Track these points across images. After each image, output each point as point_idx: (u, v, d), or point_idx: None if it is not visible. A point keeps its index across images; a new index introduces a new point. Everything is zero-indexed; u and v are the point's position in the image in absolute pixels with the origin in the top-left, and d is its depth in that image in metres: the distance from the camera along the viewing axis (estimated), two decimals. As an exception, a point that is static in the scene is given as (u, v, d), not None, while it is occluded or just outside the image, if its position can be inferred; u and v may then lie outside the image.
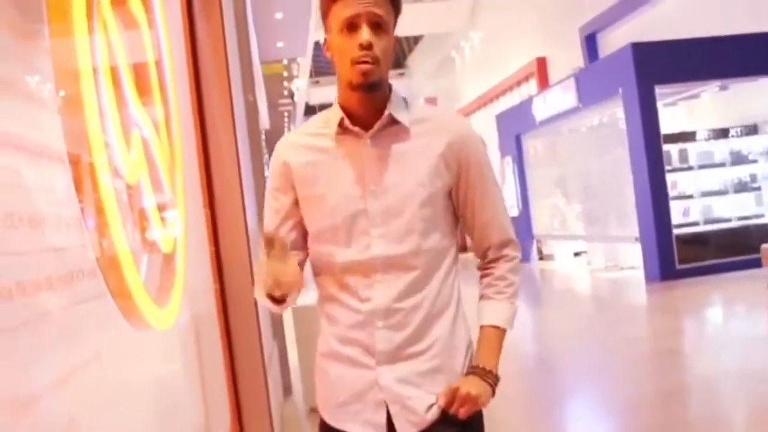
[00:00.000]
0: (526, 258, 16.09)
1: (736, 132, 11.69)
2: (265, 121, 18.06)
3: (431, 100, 26.62)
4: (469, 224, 1.83)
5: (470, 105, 25.40)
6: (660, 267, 10.70)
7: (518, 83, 20.90)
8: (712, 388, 5.41)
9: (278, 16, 11.82)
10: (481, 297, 1.84)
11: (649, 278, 10.91)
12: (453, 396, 1.70)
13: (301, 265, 1.81)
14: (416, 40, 31.23)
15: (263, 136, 13.42)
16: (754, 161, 11.70)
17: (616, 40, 14.23)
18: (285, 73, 23.43)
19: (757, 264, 8.91)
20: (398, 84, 32.16)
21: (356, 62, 1.63)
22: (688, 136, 11.65)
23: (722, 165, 11.73)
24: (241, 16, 5.37)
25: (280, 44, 13.85)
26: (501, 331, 1.80)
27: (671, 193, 11.04)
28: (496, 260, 1.84)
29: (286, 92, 30.36)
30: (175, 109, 2.74)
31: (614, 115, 11.96)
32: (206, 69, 3.34)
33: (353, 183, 1.71)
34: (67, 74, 1.59)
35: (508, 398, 4.95)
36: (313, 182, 1.74)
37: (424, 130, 1.75)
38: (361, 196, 1.71)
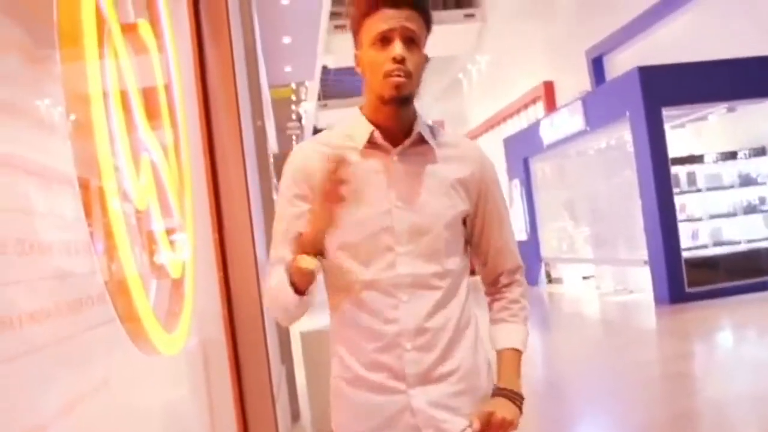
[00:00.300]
0: (534, 281, 16.03)
1: (745, 154, 11.66)
2: (273, 144, 18.13)
3: (438, 123, 26.62)
4: (482, 250, 1.85)
5: (477, 128, 25.47)
6: (669, 290, 10.63)
7: (525, 106, 20.97)
8: (722, 412, 5.35)
9: (286, 40, 11.90)
10: (495, 321, 1.85)
11: (658, 301, 10.84)
12: (488, 420, 1.69)
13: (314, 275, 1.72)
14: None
15: (272, 160, 13.47)
16: (763, 183, 11.65)
17: (622, 63, 14.28)
18: (293, 97, 23.57)
19: (767, 287, 8.86)
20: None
21: (389, 75, 1.63)
22: (696, 159, 11.62)
23: (731, 187, 11.69)
24: (250, 41, 5.41)
25: (288, 68, 13.94)
26: (519, 353, 1.81)
27: (680, 215, 10.99)
28: (508, 285, 1.87)
29: (294, 116, 30.52)
30: (184, 134, 2.75)
31: (622, 137, 11.95)
32: (215, 93, 3.35)
33: (379, 198, 1.69)
34: (77, 99, 1.59)
35: (517, 423, 4.89)
36: None
37: (448, 154, 1.77)
38: (387, 212, 1.69)
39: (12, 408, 1.08)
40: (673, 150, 11.04)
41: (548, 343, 9.53)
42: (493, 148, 21.09)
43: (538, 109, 19.62)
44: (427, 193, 1.71)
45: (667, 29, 13.52)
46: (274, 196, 6.25)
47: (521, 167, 16.75)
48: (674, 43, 13.09)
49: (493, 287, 1.88)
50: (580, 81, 16.12)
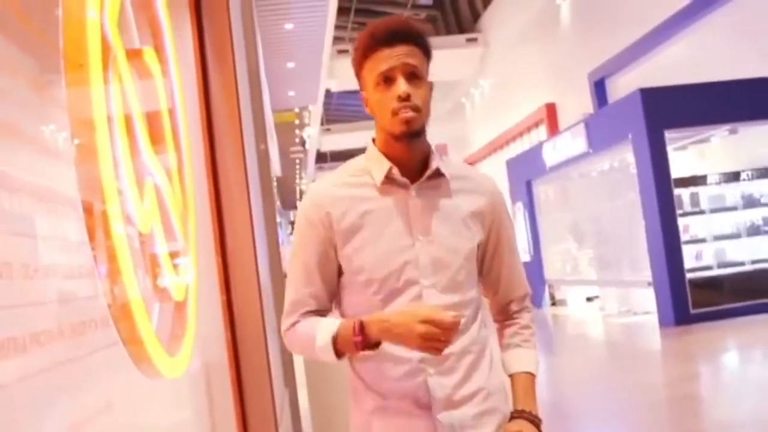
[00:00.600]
0: (538, 304, 15.98)
1: (748, 175, 11.67)
2: (276, 168, 18.19)
3: (441, 147, 26.75)
4: (493, 279, 1.89)
5: (480, 151, 25.54)
6: (674, 312, 10.60)
7: (528, 129, 21.03)
8: (730, 435, 5.32)
9: (290, 65, 11.99)
10: (508, 346, 1.88)
11: (663, 323, 10.80)
12: None
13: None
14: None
15: (275, 184, 13.51)
16: (767, 204, 11.65)
17: (624, 85, 14.34)
18: (296, 121, 23.68)
19: (772, 308, 8.82)
20: (409, 131, 32.50)
21: (397, 113, 1.65)
22: (699, 180, 11.63)
23: (734, 208, 11.68)
24: (254, 66, 5.45)
25: (291, 93, 14.03)
26: (533, 377, 1.85)
27: (683, 237, 10.98)
28: (519, 311, 1.91)
29: (297, 140, 30.64)
30: (188, 158, 2.78)
31: (625, 159, 11.98)
32: (219, 118, 3.38)
33: (401, 233, 1.72)
34: (82, 124, 1.61)
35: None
36: (360, 234, 1.72)
37: (462, 186, 1.80)
38: (410, 246, 1.71)
39: (16, 430, 1.09)
40: (676, 171, 11.05)
41: (553, 365, 9.48)
42: (495, 170, 21.12)
43: (541, 132, 19.68)
44: (446, 226, 1.75)
45: (668, 52, 13.59)
46: (278, 219, 6.26)
47: (524, 190, 16.77)
48: (676, 65, 13.15)
49: (504, 314, 1.92)
50: (583, 103, 16.18)
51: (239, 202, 3.36)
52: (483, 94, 25.51)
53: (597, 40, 15.94)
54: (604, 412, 6.59)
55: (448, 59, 23.12)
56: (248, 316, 3.28)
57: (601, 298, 14.46)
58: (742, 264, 11.33)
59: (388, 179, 1.73)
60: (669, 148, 10.98)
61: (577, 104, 16.61)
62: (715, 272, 11.19)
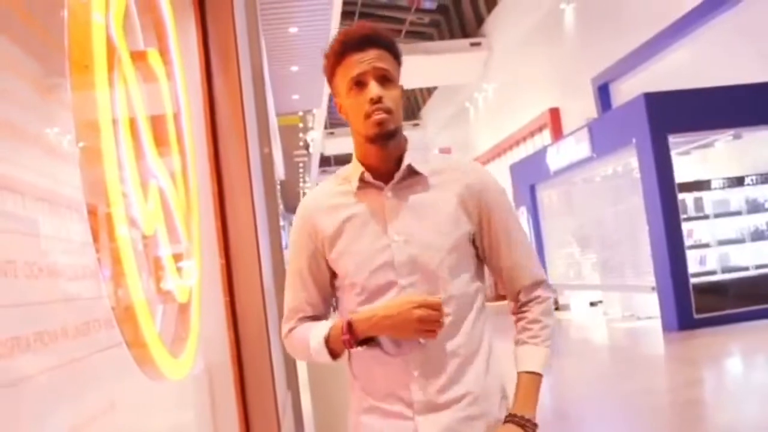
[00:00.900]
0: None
1: (752, 180, 11.65)
2: (280, 171, 18.20)
3: (445, 151, 26.78)
4: (496, 269, 1.84)
5: (484, 155, 25.52)
6: (677, 317, 10.58)
7: (532, 134, 21.02)
8: (733, 440, 5.31)
9: (294, 69, 12.01)
10: (517, 342, 1.83)
11: (666, 328, 10.78)
12: None
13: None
14: (430, 91, 31.59)
15: (278, 187, 13.52)
16: (771, 209, 11.64)
17: (628, 90, 14.32)
18: (300, 125, 23.68)
19: (776, 313, 8.80)
20: (413, 135, 32.47)
21: (370, 115, 1.67)
22: (703, 185, 11.62)
23: (738, 213, 11.66)
24: (258, 69, 5.46)
25: (295, 96, 14.06)
26: (538, 377, 1.78)
27: (687, 241, 10.97)
28: (528, 303, 1.84)
29: (301, 143, 30.67)
30: (192, 161, 2.78)
31: (628, 164, 11.98)
32: (223, 121, 3.39)
33: (378, 235, 1.74)
34: (87, 126, 1.62)
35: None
36: (341, 240, 1.76)
37: (442, 179, 1.78)
38: (386, 248, 1.73)
39: (21, 430, 1.10)
40: (680, 176, 11.04)
41: (556, 370, 9.46)
42: (499, 175, 21.08)
43: (545, 137, 19.66)
44: (423, 224, 1.74)
45: (672, 56, 13.58)
46: (281, 222, 6.27)
47: (528, 194, 16.77)
48: (680, 70, 13.14)
49: (515, 305, 1.87)
50: (586, 108, 16.17)
51: (243, 204, 3.36)
52: (487, 99, 25.51)
53: (601, 44, 15.93)
54: (608, 417, 6.58)
55: (451, 63, 23.15)
56: (251, 318, 3.29)
57: (605, 302, 14.45)
58: (746, 269, 11.30)
59: (364, 183, 1.76)
60: (673, 153, 10.97)
61: (581, 109, 16.59)
62: (719, 277, 11.17)
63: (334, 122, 30.13)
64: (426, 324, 1.62)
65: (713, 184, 11.62)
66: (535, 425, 1.75)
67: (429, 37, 29.54)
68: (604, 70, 15.70)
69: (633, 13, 14.61)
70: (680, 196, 10.99)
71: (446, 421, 1.70)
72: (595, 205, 13.87)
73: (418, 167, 1.76)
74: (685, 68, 12.97)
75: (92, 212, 1.57)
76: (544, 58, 19.50)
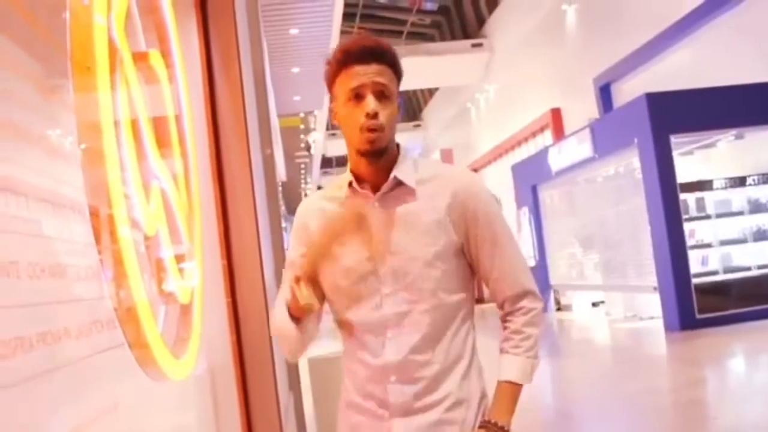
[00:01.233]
0: (543, 309, 15.93)
1: (754, 180, 11.64)
2: (282, 173, 18.21)
3: (447, 152, 26.78)
4: (484, 277, 1.86)
5: (485, 156, 25.51)
6: (680, 317, 10.57)
7: (533, 134, 21.01)
8: (736, 440, 5.30)
9: (295, 70, 12.02)
10: (500, 350, 1.85)
11: (668, 328, 10.78)
12: None
13: (319, 315, 1.87)
14: (432, 92, 31.58)
15: (280, 188, 13.53)
16: (773, 209, 11.63)
17: (630, 90, 14.32)
18: (302, 126, 23.70)
19: (779, 313, 8.79)
20: (414, 136, 32.51)
21: (363, 130, 1.70)
22: (704, 185, 11.61)
23: (740, 213, 11.66)
24: (259, 71, 5.46)
25: (297, 98, 14.07)
26: (516, 387, 1.79)
27: (689, 242, 10.96)
28: (512, 313, 1.84)
29: (302, 145, 30.69)
30: (194, 162, 2.79)
31: (630, 164, 11.97)
32: (225, 122, 3.39)
33: (363, 244, 1.76)
34: (89, 128, 1.62)
35: (527, 451, 4.87)
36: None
37: (430, 188, 1.79)
38: (370, 258, 1.76)
39: (23, 429, 1.10)
40: (682, 176, 11.04)
41: (558, 370, 9.46)
42: (501, 176, 21.11)
43: (546, 137, 19.65)
44: (406, 234, 1.75)
45: (674, 57, 13.57)
46: (283, 223, 6.27)
47: (530, 195, 16.77)
48: (681, 70, 13.14)
49: (502, 314, 1.88)
50: (588, 108, 16.16)
51: (244, 205, 3.37)
52: (488, 100, 25.50)
53: (602, 45, 15.93)
54: (610, 417, 6.58)
55: (453, 65, 23.14)
56: (253, 320, 3.29)
57: (607, 303, 14.44)
58: (748, 269, 11.30)
59: (353, 191, 1.80)
60: (675, 153, 10.97)
61: (583, 109, 16.59)
62: (721, 277, 11.16)
63: (335, 124, 30.08)
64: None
65: (715, 185, 11.61)
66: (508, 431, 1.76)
67: (430, 38, 29.54)
68: (605, 70, 15.69)
69: (634, 14, 14.61)
70: (682, 196, 10.99)
71: (418, 424, 1.74)
72: (597, 205, 13.86)
73: (405, 179, 1.77)
74: (687, 68, 12.96)
75: (94, 213, 1.58)
76: (545, 59, 19.49)
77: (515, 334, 1.82)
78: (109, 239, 1.67)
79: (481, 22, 25.44)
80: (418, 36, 29.80)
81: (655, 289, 11.23)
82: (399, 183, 1.78)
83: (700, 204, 11.50)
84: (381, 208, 1.77)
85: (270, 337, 3.34)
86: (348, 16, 23.39)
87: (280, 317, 1.79)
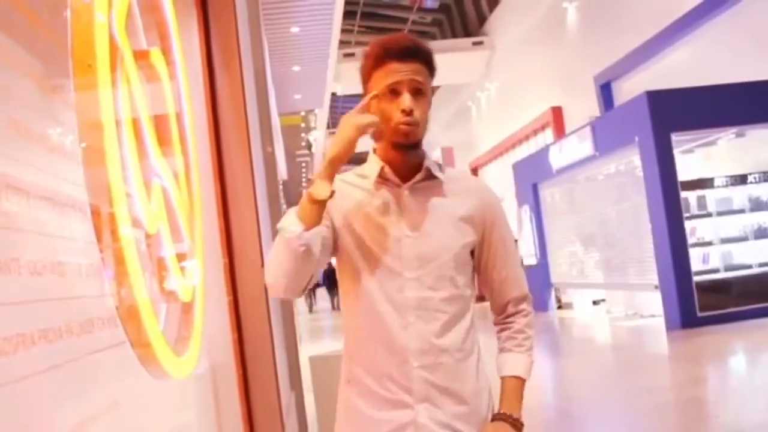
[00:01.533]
0: (544, 307, 15.96)
1: (755, 178, 11.64)
2: (283, 171, 18.21)
3: (447, 150, 26.76)
4: (489, 280, 1.96)
5: (486, 154, 25.53)
6: (681, 315, 10.58)
7: (534, 132, 21.02)
8: (737, 438, 5.30)
9: (296, 68, 12.02)
10: (501, 350, 1.95)
11: (669, 326, 10.78)
12: None
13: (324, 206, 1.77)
14: (433, 90, 31.50)
15: (281, 187, 13.53)
16: (774, 207, 11.63)
17: (631, 88, 14.33)
18: (303, 125, 23.71)
19: (780, 311, 8.78)
20: (415, 134, 32.49)
21: (399, 125, 1.77)
22: (705, 183, 11.61)
23: (741, 211, 11.66)
24: (260, 69, 5.46)
25: (297, 96, 14.07)
26: (522, 382, 1.90)
27: (690, 240, 10.96)
28: (514, 314, 1.96)
29: (303, 143, 30.69)
30: (195, 161, 2.79)
31: (631, 162, 11.97)
32: (226, 120, 3.39)
33: (390, 228, 1.82)
34: (90, 127, 1.62)
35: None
36: (353, 220, 1.84)
37: (456, 188, 1.91)
38: (397, 241, 1.82)
39: (24, 427, 1.10)
40: (683, 174, 11.04)
41: (559, 369, 9.47)
42: (502, 174, 21.10)
43: (547, 135, 19.67)
44: (435, 224, 1.84)
45: (674, 55, 13.58)
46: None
47: (530, 193, 16.77)
48: (682, 68, 13.14)
49: (501, 316, 1.98)
50: (589, 107, 16.17)
51: (246, 203, 3.37)
52: (489, 98, 25.51)
53: (603, 43, 15.93)
54: (611, 415, 6.58)
55: (453, 63, 23.14)
56: (254, 318, 3.29)
57: (608, 301, 14.45)
58: (749, 267, 11.30)
59: (382, 178, 1.86)
60: (676, 151, 10.97)
61: (584, 107, 16.59)
62: (722, 275, 11.16)
63: (336, 122, 30.08)
64: (349, 120, 1.72)
65: (716, 182, 11.61)
66: (522, 424, 1.85)
67: (431, 37, 29.55)
68: (606, 68, 15.70)
69: (635, 12, 14.61)
70: (683, 194, 10.99)
71: (442, 414, 1.79)
72: (598, 203, 13.86)
73: (435, 172, 1.87)
74: (688, 66, 12.96)
75: (95, 212, 1.58)
76: (546, 57, 19.50)
77: (519, 334, 1.94)
78: (110, 237, 1.67)
79: (482, 20, 25.45)
80: (419, 34, 29.75)
81: (656, 287, 11.23)
82: (429, 176, 1.86)
83: (701, 202, 11.50)
84: (410, 196, 1.85)
85: (271, 337, 3.34)
86: (349, 14, 23.40)
87: (282, 231, 1.72)
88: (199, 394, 2.65)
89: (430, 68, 1.84)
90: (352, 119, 1.73)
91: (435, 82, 1.88)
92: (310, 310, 27.95)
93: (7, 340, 1.01)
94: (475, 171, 26.06)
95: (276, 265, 1.75)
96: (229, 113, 3.42)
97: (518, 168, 17.81)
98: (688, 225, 10.94)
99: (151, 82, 2.30)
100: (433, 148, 31.37)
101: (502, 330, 1.97)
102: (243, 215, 3.35)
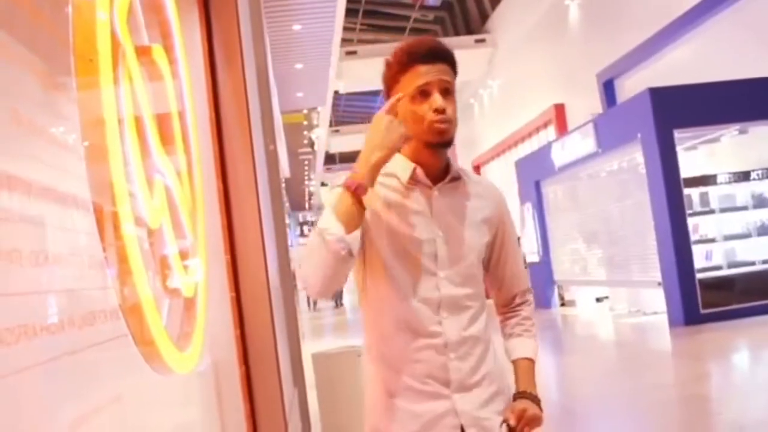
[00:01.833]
0: (546, 304, 15.96)
1: (758, 175, 11.62)
2: (285, 169, 18.22)
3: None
4: (499, 276, 2.10)
5: (489, 152, 25.50)
6: (684, 312, 10.57)
7: (537, 130, 21.00)
8: (740, 435, 5.30)
9: (298, 66, 12.02)
10: (511, 335, 2.10)
11: (672, 323, 10.78)
12: (521, 416, 1.91)
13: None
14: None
15: (283, 184, 13.54)
16: (776, 204, 11.61)
17: (633, 85, 14.30)
18: (305, 122, 23.71)
19: (783, 308, 8.77)
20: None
21: (433, 124, 1.84)
22: (708, 180, 11.60)
23: (744, 208, 11.64)
24: (262, 67, 5.46)
25: (300, 94, 14.07)
26: (533, 363, 2.06)
27: (693, 236, 10.95)
28: (521, 304, 2.13)
29: (306, 141, 30.68)
30: (197, 158, 2.79)
31: (634, 159, 11.96)
32: (228, 118, 3.40)
33: (424, 228, 1.89)
34: (93, 125, 1.63)
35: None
36: (386, 219, 1.88)
37: (478, 191, 2.01)
38: (432, 241, 1.89)
39: (26, 418, 1.10)
40: (686, 171, 11.03)
41: (562, 366, 9.47)
42: (504, 172, 21.09)
43: (550, 133, 19.64)
44: (464, 225, 1.95)
45: (677, 52, 13.55)
46: (287, 219, 6.27)
47: (533, 190, 16.76)
48: (685, 65, 13.12)
49: (507, 307, 2.14)
50: (592, 104, 16.15)
51: (248, 201, 3.37)
52: (491, 95, 25.48)
53: (606, 40, 15.90)
54: (614, 412, 6.58)
55: (456, 59, 23.08)
56: (257, 315, 3.30)
57: (611, 298, 14.44)
58: (752, 264, 11.29)
59: (413, 180, 1.91)
60: (679, 148, 10.95)
61: (586, 104, 16.57)
62: (725, 272, 11.15)
63: (338, 120, 30.12)
64: (392, 124, 1.77)
65: (719, 179, 11.60)
66: (540, 400, 1.99)
67: (434, 34, 29.49)
68: (609, 65, 15.67)
69: (637, 9, 14.58)
70: (686, 191, 10.98)
71: (479, 398, 1.91)
72: (601, 200, 13.84)
73: (461, 174, 1.98)
74: (691, 63, 12.94)
75: (98, 207, 1.58)
76: (548, 54, 19.47)
77: (526, 320, 2.11)
78: (113, 236, 1.67)
79: (484, 17, 25.42)
80: (421, 32, 29.77)
81: (659, 284, 11.23)
82: (455, 177, 1.95)
83: (704, 199, 11.49)
84: (440, 197, 1.93)
85: (274, 333, 3.34)
86: (351, 12, 23.38)
87: (328, 221, 1.72)
88: (202, 391, 2.66)
89: (454, 69, 1.94)
90: (395, 126, 1.78)
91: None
92: (313, 308, 27.95)
93: (9, 330, 1.01)
94: (477, 169, 26.05)
95: (314, 266, 1.75)
96: (231, 111, 3.42)
97: (521, 165, 17.79)
98: (691, 222, 10.93)
99: (154, 79, 2.30)
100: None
101: (509, 318, 2.12)
102: (245, 212, 3.36)
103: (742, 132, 11.53)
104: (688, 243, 10.77)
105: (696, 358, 8.77)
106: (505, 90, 23.97)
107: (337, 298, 27.95)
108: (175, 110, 2.54)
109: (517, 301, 2.12)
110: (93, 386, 1.45)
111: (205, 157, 3.06)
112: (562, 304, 16.22)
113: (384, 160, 1.77)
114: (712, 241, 11.40)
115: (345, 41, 19.89)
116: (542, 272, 16.16)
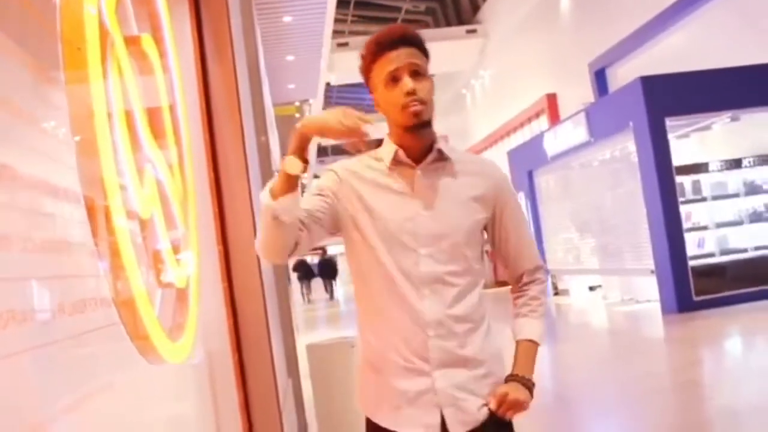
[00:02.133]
0: (541, 293, 15.96)
1: (749, 162, 11.66)
2: (277, 161, 18.18)
3: (442, 138, 26.70)
4: (504, 255, 2.10)
5: (481, 142, 25.51)
6: (677, 299, 10.62)
7: (529, 119, 21.01)
8: (733, 420, 5.33)
9: (289, 58, 11.99)
10: (517, 315, 2.09)
11: (665, 311, 10.82)
12: (502, 400, 1.92)
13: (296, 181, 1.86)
14: (427, 79, 31.41)
15: (275, 175, 13.48)
16: (768, 191, 11.66)
17: (625, 74, 14.31)
18: (297, 115, 23.63)
19: (775, 294, 8.82)
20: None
21: (406, 107, 1.87)
22: (700, 168, 11.64)
23: (736, 195, 11.69)
24: (253, 59, 5.46)
25: (291, 86, 14.02)
26: (535, 345, 2.04)
27: (685, 224, 10.99)
28: (529, 283, 2.11)
29: (298, 134, 30.58)
30: (188, 151, 2.79)
31: (626, 148, 11.97)
32: (219, 111, 3.40)
33: (405, 207, 1.93)
34: (82, 119, 1.63)
35: (525, 433, 4.90)
36: (375, 205, 1.93)
37: (467, 169, 2.01)
38: (412, 219, 1.92)
39: (16, 402, 1.11)
40: (678, 159, 11.05)
41: (556, 354, 9.50)
42: (497, 161, 21.06)
43: (542, 122, 19.66)
44: (447, 203, 1.95)
45: (669, 40, 13.56)
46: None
47: (526, 180, 16.77)
48: (677, 54, 13.13)
49: (517, 285, 2.13)
50: (583, 93, 16.16)
51: (240, 192, 3.38)
52: (483, 86, 25.48)
53: (597, 29, 15.91)
54: (608, 399, 6.62)
55: (447, 51, 23.09)
56: (250, 305, 3.30)
57: (604, 286, 14.48)
58: (744, 251, 11.34)
59: (396, 161, 1.95)
60: (670, 136, 10.97)
61: (578, 94, 16.58)
62: (718, 259, 11.21)
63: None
64: (349, 120, 1.75)
65: (711, 167, 11.64)
66: (533, 384, 1.99)
67: (425, 25, 29.47)
68: (600, 54, 15.68)
69: (628, -3, 14.58)
70: (678, 179, 11.01)
71: (460, 378, 1.91)
72: (593, 189, 13.86)
73: (447, 153, 1.97)
74: (682, 51, 12.96)
75: (90, 203, 1.58)
76: (540, 44, 19.47)
77: (534, 300, 2.09)
78: (105, 228, 1.67)
79: (475, 8, 25.39)
80: (413, 23, 29.70)
81: (652, 272, 11.27)
82: (440, 157, 1.96)
83: (696, 186, 11.53)
84: (424, 177, 1.95)
85: (267, 323, 3.35)
86: (342, 4, 23.33)
87: (262, 192, 1.82)
88: (196, 381, 2.66)
89: (423, 51, 1.93)
90: (348, 113, 1.77)
91: (429, 71, 1.94)
92: (307, 300, 27.96)
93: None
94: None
95: (258, 231, 1.87)
96: (222, 103, 3.42)
97: (513, 155, 17.80)
98: (683, 210, 10.96)
99: (143, 71, 2.30)
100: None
101: (518, 297, 2.11)
102: (237, 203, 3.36)
103: (734, 119, 11.55)
104: (681, 231, 10.80)
105: (689, 345, 8.82)
106: (497, 80, 23.97)
107: (332, 290, 27.99)
108: (165, 102, 2.54)
109: (525, 279, 2.11)
110: (84, 374, 1.45)
111: (196, 149, 3.06)
112: (556, 293, 16.25)
113: (307, 132, 1.79)
114: (705, 228, 11.44)
115: (336, 33, 19.85)
116: (536, 262, 16.15)
